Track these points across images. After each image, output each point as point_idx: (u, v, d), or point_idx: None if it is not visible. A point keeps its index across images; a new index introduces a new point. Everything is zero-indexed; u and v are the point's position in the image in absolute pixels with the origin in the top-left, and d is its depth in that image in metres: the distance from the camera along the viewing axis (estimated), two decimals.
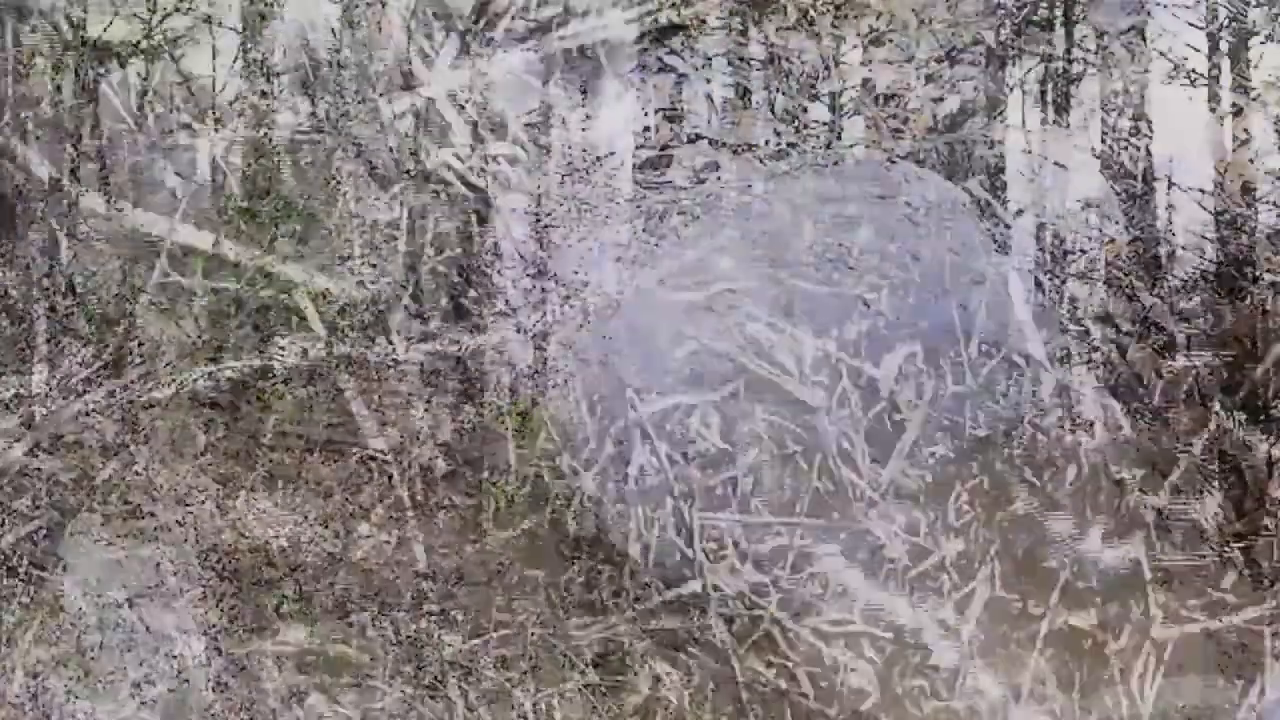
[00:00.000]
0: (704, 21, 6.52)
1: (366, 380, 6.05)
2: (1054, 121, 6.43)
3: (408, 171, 6.20)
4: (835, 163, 6.45)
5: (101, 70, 6.19)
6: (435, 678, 5.79)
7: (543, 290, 6.24)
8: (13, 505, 5.79)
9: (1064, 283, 6.31)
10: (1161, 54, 6.31)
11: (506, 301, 6.22)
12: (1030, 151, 6.40)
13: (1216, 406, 6.09)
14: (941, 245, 6.26)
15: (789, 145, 6.46)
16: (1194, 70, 6.29)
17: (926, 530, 5.94)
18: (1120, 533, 5.95)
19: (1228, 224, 6.22)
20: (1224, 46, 6.29)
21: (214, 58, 6.25)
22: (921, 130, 6.43)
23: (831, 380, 6.12)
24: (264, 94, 6.20)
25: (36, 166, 6.08)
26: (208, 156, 6.23)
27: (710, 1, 6.50)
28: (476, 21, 6.31)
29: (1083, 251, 6.32)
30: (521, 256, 6.25)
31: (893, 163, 6.41)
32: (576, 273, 6.24)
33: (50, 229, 6.03)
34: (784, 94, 6.50)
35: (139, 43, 6.21)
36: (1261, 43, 6.26)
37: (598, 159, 6.34)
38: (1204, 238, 6.24)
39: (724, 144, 6.48)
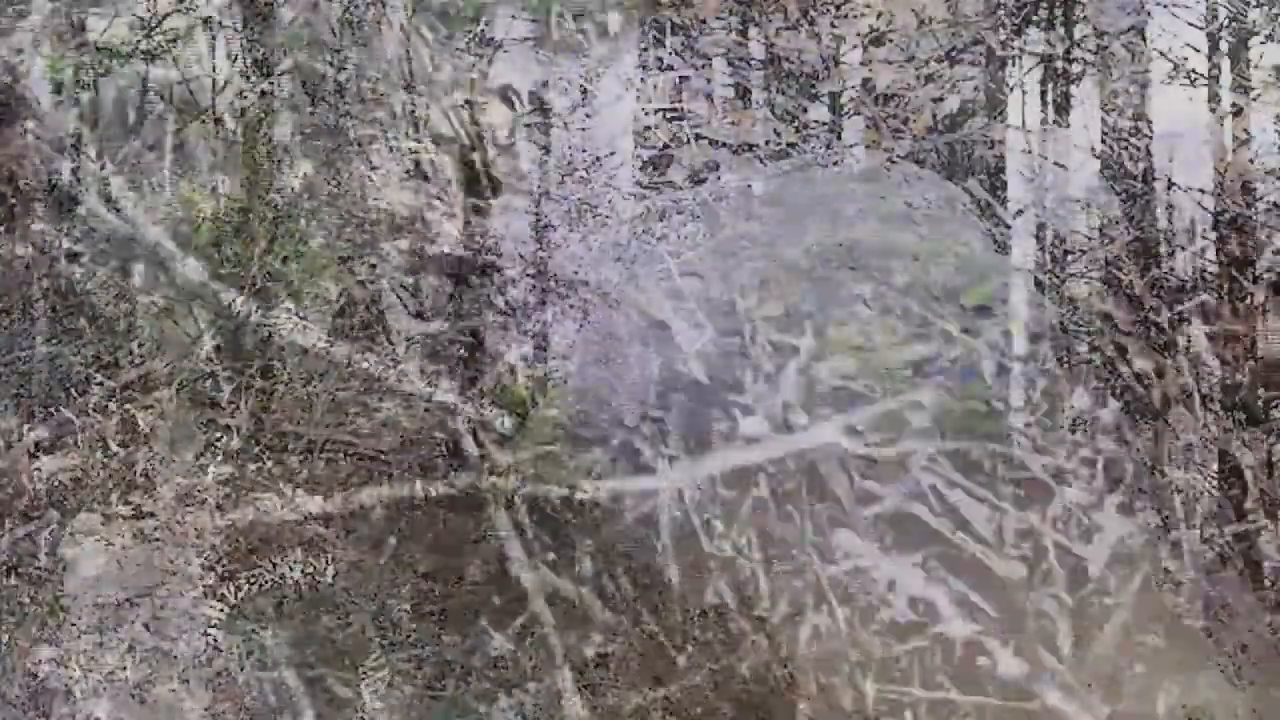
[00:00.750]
0: (704, 21, 6.52)
1: (366, 380, 6.05)
2: (1054, 121, 6.43)
3: (408, 171, 6.21)
4: (835, 163, 6.46)
5: (101, 70, 6.19)
6: (435, 678, 5.80)
7: (543, 290, 6.24)
8: (13, 505, 5.79)
9: (1064, 283, 6.31)
10: (1161, 54, 6.31)
11: (506, 302, 6.22)
12: (1030, 151, 6.40)
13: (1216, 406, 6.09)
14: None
15: (789, 145, 6.47)
16: (1194, 70, 6.29)
17: None
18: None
19: (1228, 224, 6.22)
20: (1224, 46, 6.29)
21: (214, 58, 6.25)
22: (921, 130, 6.43)
23: (1035, 555, 5.95)
24: (264, 94, 6.20)
25: (37, 165, 6.08)
26: (207, 155, 6.23)
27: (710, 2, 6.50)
28: (476, 20, 6.31)
29: (1083, 251, 6.32)
30: (521, 256, 6.25)
31: (893, 163, 6.41)
32: (576, 273, 6.25)
33: (50, 229, 6.03)
34: (784, 94, 6.50)
35: (139, 42, 6.21)
36: (1261, 43, 6.26)
37: (598, 159, 6.35)
38: (1204, 238, 6.24)
39: (724, 144, 6.48)
